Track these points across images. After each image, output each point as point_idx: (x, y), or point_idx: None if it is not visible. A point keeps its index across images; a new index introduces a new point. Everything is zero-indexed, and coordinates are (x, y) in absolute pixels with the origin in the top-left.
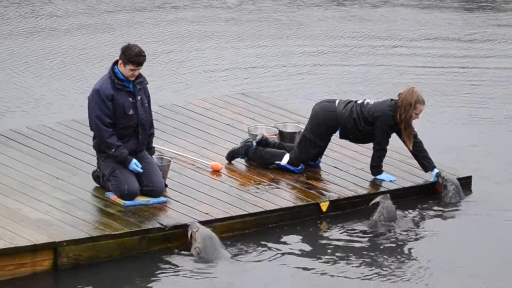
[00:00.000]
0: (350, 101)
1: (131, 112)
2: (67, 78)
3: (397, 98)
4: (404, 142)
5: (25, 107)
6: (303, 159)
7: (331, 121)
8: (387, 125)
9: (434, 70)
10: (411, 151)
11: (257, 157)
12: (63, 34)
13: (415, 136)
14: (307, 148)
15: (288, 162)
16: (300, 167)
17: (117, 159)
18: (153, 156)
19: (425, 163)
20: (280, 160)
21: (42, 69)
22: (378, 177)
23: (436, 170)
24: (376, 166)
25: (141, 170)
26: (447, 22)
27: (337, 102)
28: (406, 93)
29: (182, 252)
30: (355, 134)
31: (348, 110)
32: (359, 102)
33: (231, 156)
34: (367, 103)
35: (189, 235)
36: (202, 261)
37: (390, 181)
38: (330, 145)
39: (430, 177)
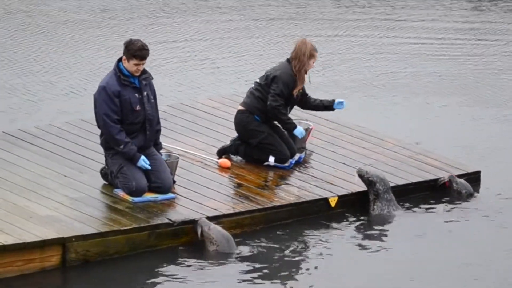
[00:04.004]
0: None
1: (138, 108)
2: (76, 78)
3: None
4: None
5: (32, 107)
6: (283, 155)
7: (247, 118)
8: (284, 83)
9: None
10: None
11: (247, 155)
12: (72, 35)
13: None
14: (270, 146)
15: (276, 161)
16: (288, 163)
17: (126, 155)
18: (161, 151)
19: (325, 102)
20: (267, 160)
21: (49, 69)
22: (295, 132)
23: (339, 100)
24: (289, 122)
25: (149, 167)
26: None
27: (240, 103)
28: (301, 45)
29: (192, 248)
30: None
31: (250, 96)
32: (252, 86)
33: (221, 154)
34: (261, 77)
35: (199, 232)
36: (212, 257)
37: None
38: (337, 141)
39: (438, 172)
